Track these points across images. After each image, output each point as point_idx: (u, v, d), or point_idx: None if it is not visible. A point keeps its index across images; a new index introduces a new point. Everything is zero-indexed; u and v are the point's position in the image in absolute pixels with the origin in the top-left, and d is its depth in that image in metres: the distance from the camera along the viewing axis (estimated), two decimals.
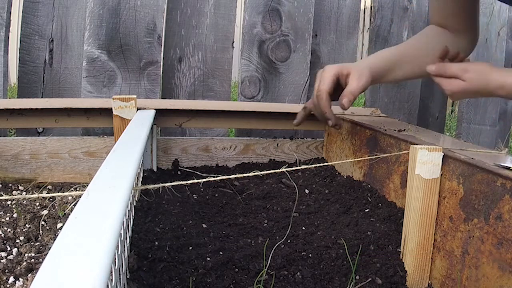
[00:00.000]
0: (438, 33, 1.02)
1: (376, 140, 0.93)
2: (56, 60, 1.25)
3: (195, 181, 0.64)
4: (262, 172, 0.70)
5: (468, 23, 1.00)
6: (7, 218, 0.83)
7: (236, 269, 0.64)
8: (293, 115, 1.03)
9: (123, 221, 0.49)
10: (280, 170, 0.69)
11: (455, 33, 1.00)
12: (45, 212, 0.87)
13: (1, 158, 0.99)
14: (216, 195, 0.94)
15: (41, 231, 0.79)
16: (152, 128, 1.02)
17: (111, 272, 0.38)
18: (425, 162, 0.67)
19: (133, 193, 0.74)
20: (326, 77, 0.91)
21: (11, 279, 0.64)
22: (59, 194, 0.44)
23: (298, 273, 0.64)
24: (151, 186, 0.55)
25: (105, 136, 1.06)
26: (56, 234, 0.78)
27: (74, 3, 1.24)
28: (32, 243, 0.75)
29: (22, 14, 1.20)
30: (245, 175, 0.73)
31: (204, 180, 0.61)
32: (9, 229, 0.79)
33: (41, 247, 0.73)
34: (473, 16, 1.01)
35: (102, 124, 1.03)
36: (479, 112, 1.81)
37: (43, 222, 0.82)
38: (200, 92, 1.39)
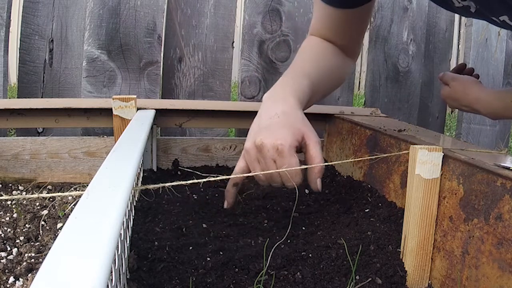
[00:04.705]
0: (333, 53, 0.93)
1: (376, 140, 0.93)
2: (56, 60, 1.25)
3: (195, 181, 0.63)
4: (262, 172, 0.70)
5: (354, 43, 0.96)
6: (7, 218, 0.83)
7: (236, 269, 0.64)
8: None
9: (123, 221, 0.49)
10: (280, 170, 0.69)
11: (341, 49, 0.94)
12: (45, 212, 0.87)
13: (1, 158, 0.99)
14: (216, 195, 0.94)
15: (41, 231, 0.79)
16: (152, 128, 1.02)
17: (111, 272, 0.38)
18: (425, 162, 0.67)
19: (133, 193, 0.74)
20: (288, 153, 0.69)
21: (11, 279, 0.64)
22: (59, 194, 0.44)
23: (298, 273, 0.64)
24: (151, 186, 0.55)
25: (105, 136, 1.06)
26: (56, 234, 0.78)
27: (74, 3, 1.24)
28: (32, 243, 0.75)
29: (22, 14, 1.20)
30: (245, 175, 0.73)
31: (204, 180, 0.61)
32: (9, 229, 0.79)
33: (41, 247, 0.73)
34: (361, 38, 0.96)
35: (102, 124, 1.03)
36: None
37: (43, 222, 0.82)
38: (200, 92, 1.39)
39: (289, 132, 0.70)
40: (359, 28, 0.94)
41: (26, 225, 0.81)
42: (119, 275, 0.45)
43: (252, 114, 1.15)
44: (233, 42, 1.40)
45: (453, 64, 2.01)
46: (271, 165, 0.70)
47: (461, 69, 1.13)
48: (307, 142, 0.72)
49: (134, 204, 0.75)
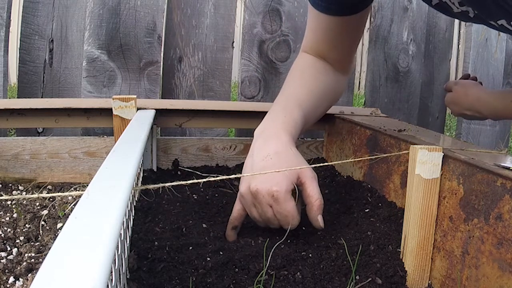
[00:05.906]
0: (326, 74, 0.93)
1: (376, 140, 0.93)
2: (56, 60, 1.25)
3: (195, 181, 0.63)
4: (263, 172, 0.70)
5: (348, 55, 0.95)
6: (7, 218, 0.83)
7: (236, 269, 0.64)
8: None
9: (123, 221, 0.49)
10: (280, 170, 0.69)
11: (335, 64, 0.94)
12: (45, 212, 0.87)
13: (1, 158, 0.99)
14: (216, 195, 0.94)
15: (41, 231, 0.79)
16: (152, 128, 1.02)
17: (111, 272, 0.38)
18: (425, 162, 0.67)
19: (133, 193, 0.74)
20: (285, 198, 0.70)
21: (11, 279, 0.64)
22: (59, 194, 0.44)
23: (298, 273, 0.64)
24: (151, 186, 0.55)
25: (105, 136, 1.06)
26: (56, 234, 0.78)
27: (74, 3, 1.24)
28: (32, 243, 0.75)
29: (22, 14, 1.20)
30: (245, 175, 0.73)
31: (204, 180, 0.61)
32: (9, 229, 0.79)
33: (41, 247, 0.73)
34: (355, 49, 0.96)
35: (102, 124, 1.03)
36: None
37: (43, 222, 0.82)
38: (200, 92, 1.39)
39: (284, 175, 0.70)
40: (353, 39, 0.93)
41: (26, 225, 0.81)
42: (119, 275, 0.45)
43: (252, 114, 1.15)
44: (233, 42, 1.40)
45: (453, 64, 2.01)
46: (268, 210, 0.71)
47: (466, 79, 1.18)
48: (303, 180, 0.72)
49: (134, 204, 0.75)
